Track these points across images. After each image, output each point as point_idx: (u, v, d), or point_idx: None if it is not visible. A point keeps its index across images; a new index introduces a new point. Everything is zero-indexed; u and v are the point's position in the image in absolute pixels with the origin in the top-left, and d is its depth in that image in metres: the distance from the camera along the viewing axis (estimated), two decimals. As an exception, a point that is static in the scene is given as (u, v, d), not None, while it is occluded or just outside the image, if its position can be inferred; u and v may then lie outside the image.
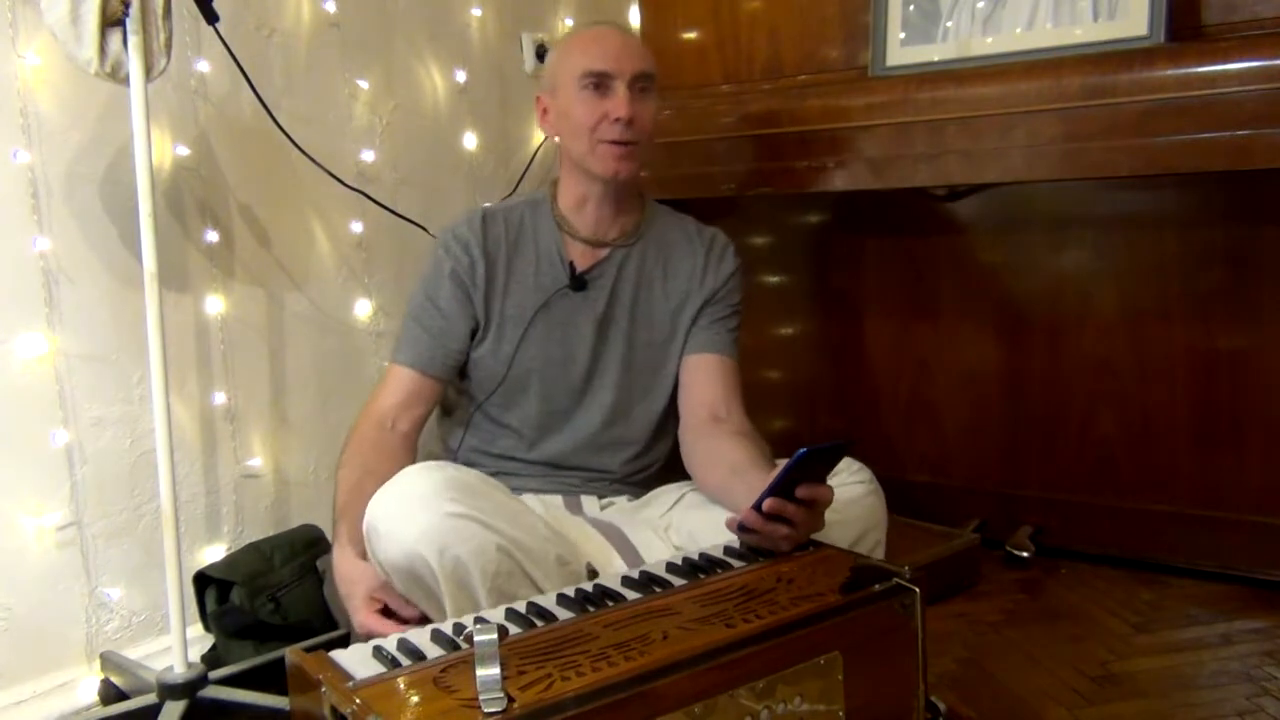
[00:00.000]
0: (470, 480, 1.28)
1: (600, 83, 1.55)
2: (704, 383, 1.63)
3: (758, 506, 1.26)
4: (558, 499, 1.59)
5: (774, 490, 1.25)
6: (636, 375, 1.65)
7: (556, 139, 1.65)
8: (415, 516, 1.22)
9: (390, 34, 2.31)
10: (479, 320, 1.61)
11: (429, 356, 1.59)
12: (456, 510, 1.21)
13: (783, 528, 1.27)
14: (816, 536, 1.35)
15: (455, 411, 1.70)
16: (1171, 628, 1.98)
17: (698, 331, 1.66)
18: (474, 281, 1.60)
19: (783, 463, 1.25)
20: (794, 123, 2.16)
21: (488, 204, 1.71)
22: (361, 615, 1.33)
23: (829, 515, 1.34)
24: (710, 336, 1.66)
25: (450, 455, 1.66)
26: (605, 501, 1.62)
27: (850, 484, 1.45)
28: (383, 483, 1.41)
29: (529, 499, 1.57)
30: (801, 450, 1.21)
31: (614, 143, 1.55)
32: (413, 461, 1.52)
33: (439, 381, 1.61)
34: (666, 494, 1.61)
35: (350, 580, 1.38)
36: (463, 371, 1.63)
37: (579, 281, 1.62)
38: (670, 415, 1.69)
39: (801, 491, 1.26)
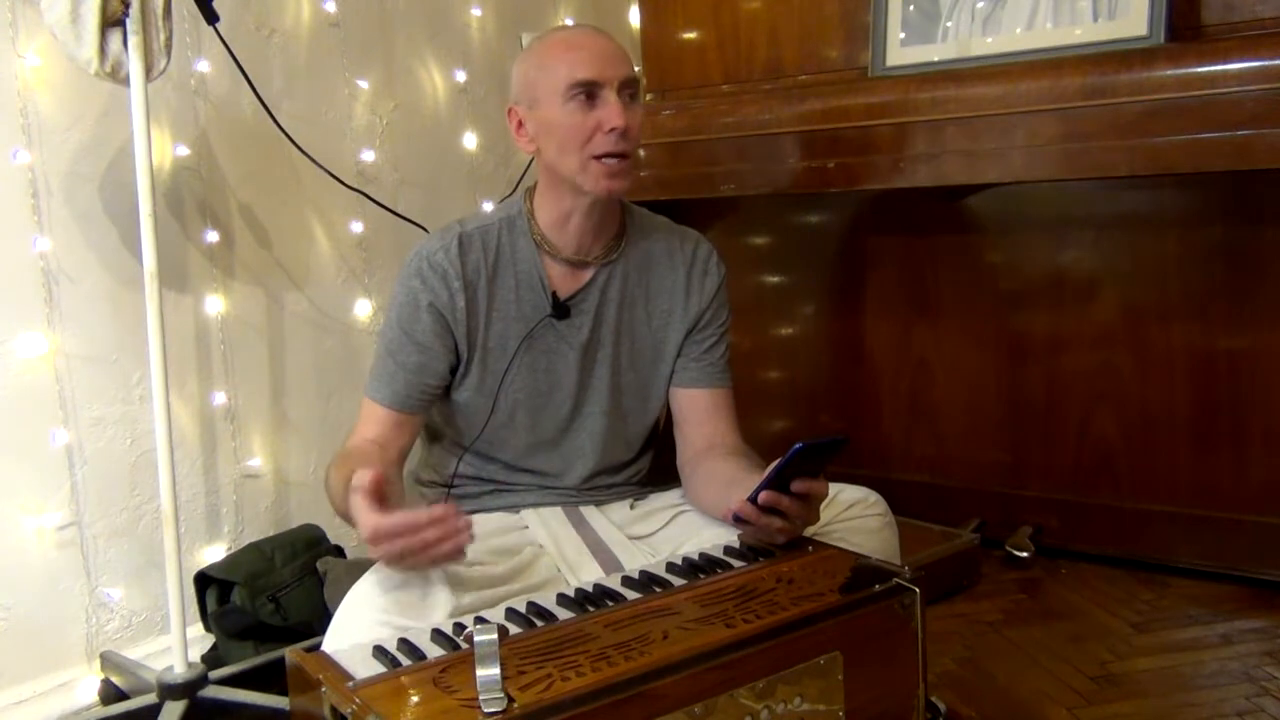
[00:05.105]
0: (411, 598, 1.23)
1: (589, 92, 1.43)
2: (700, 419, 1.60)
3: (753, 499, 1.27)
4: (558, 511, 1.57)
5: (770, 483, 1.25)
6: (623, 399, 1.60)
7: (534, 154, 1.52)
8: (349, 629, 1.21)
9: (390, 34, 2.32)
10: (460, 354, 1.53)
11: (405, 395, 1.50)
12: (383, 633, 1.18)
13: (777, 520, 1.28)
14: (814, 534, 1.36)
15: (442, 439, 1.65)
16: (1171, 628, 1.98)
17: (689, 363, 1.61)
18: (454, 316, 1.50)
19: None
20: (794, 123, 2.16)
21: (463, 221, 1.55)
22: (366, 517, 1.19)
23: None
24: (702, 370, 1.61)
25: (442, 483, 1.62)
26: (606, 509, 1.60)
27: (868, 516, 1.45)
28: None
29: (527, 514, 1.56)
30: (797, 445, 1.21)
31: (608, 156, 1.44)
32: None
33: (418, 416, 1.54)
34: (663, 508, 1.59)
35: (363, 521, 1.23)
36: (446, 393, 1.57)
37: (562, 309, 1.53)
38: (658, 422, 1.66)
39: (796, 485, 1.26)
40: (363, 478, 1.21)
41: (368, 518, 1.19)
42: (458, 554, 1.21)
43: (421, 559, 1.20)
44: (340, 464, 1.44)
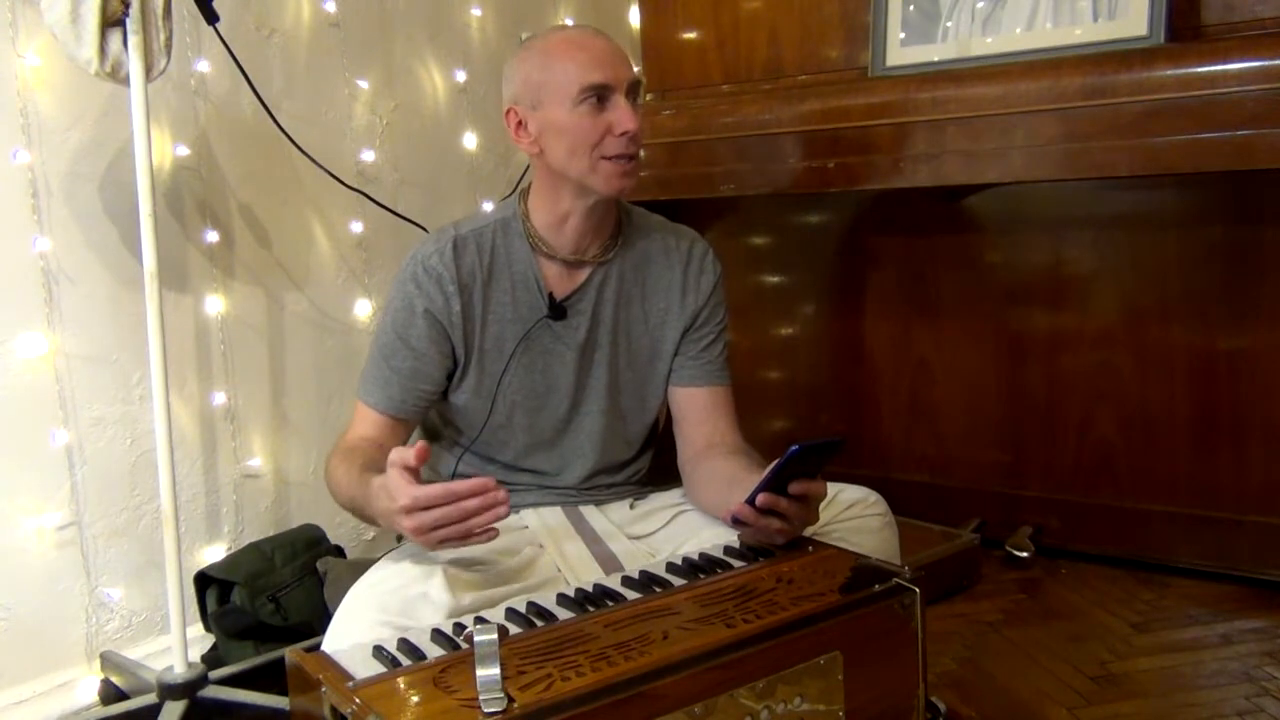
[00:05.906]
0: (410, 596, 1.24)
1: (600, 95, 1.43)
2: (699, 418, 1.60)
3: (751, 500, 1.27)
4: (557, 510, 1.57)
5: (767, 485, 1.25)
6: (621, 398, 1.60)
7: (536, 155, 1.50)
8: (349, 629, 1.22)
9: (390, 34, 2.32)
10: (457, 358, 1.53)
11: (400, 400, 1.50)
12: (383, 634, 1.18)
13: (776, 521, 1.28)
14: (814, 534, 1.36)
15: (441, 438, 1.64)
16: (1171, 628, 1.98)
17: (687, 362, 1.60)
18: (450, 320, 1.50)
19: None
20: (794, 123, 2.16)
21: (457, 224, 1.54)
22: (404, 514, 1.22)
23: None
24: (700, 368, 1.61)
25: (441, 480, 1.60)
26: (606, 508, 1.60)
27: (868, 516, 1.45)
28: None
29: (527, 514, 1.56)
30: (794, 447, 1.22)
31: (618, 158, 1.45)
32: None
33: (410, 422, 1.54)
34: (663, 508, 1.59)
35: (389, 508, 1.25)
36: (444, 395, 1.57)
37: (559, 310, 1.53)
38: (658, 421, 1.66)
39: (794, 487, 1.26)
40: (404, 453, 1.23)
41: (407, 489, 1.21)
42: (490, 530, 1.22)
43: (456, 531, 1.21)
44: (344, 458, 1.45)
